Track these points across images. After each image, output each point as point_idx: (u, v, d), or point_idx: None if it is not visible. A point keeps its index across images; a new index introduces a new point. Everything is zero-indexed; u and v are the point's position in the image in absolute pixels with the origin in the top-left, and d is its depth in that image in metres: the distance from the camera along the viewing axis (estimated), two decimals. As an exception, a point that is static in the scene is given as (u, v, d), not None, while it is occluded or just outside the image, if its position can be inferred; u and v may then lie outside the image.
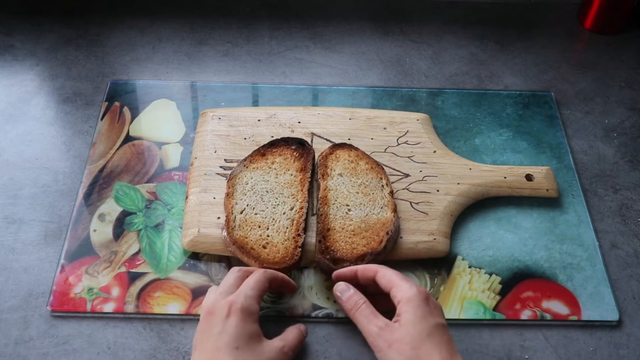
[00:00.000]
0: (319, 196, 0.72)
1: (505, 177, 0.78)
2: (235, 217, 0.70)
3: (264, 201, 0.71)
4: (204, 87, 0.90)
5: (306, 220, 0.70)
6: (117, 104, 0.87)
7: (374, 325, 0.59)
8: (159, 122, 0.85)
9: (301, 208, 0.71)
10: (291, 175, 0.74)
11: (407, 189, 0.76)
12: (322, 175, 0.74)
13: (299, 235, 0.69)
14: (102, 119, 0.85)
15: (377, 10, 1.04)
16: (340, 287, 0.64)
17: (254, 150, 0.77)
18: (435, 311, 0.59)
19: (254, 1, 1.04)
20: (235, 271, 0.64)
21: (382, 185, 0.73)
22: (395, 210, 0.71)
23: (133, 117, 0.85)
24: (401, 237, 0.71)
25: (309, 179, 0.74)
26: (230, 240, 0.68)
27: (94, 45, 0.96)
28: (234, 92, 0.89)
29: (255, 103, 0.89)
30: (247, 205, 0.71)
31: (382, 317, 0.60)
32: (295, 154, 0.76)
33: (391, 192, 0.73)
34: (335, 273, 0.65)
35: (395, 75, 0.94)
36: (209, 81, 0.91)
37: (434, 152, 0.80)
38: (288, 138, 0.78)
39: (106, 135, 0.83)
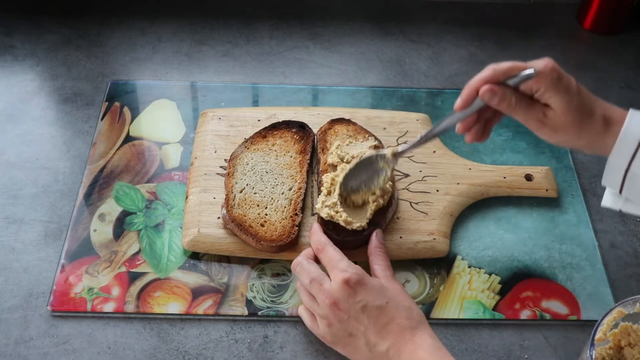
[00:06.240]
0: (320, 170, 0.74)
1: (504, 177, 0.78)
2: (234, 195, 0.71)
3: (263, 181, 0.73)
4: (204, 87, 0.90)
5: (304, 201, 0.72)
6: (117, 104, 0.87)
7: (534, 119, 0.60)
8: (159, 122, 0.85)
9: (299, 189, 0.72)
10: (291, 157, 0.75)
11: (407, 189, 0.76)
12: (322, 150, 0.76)
13: (296, 214, 0.70)
14: (102, 119, 0.85)
15: (377, 11, 1.04)
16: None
17: (256, 132, 0.78)
18: (572, 79, 0.60)
19: (253, 1, 1.04)
20: (304, 261, 0.63)
21: None
22: (393, 181, 0.72)
23: (133, 117, 0.85)
24: (401, 237, 0.71)
25: (308, 162, 0.75)
26: (230, 218, 0.69)
27: (94, 46, 0.96)
28: (234, 92, 0.89)
29: (255, 103, 0.89)
30: (247, 185, 0.72)
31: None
32: (295, 136, 0.77)
33: None
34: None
35: (395, 76, 0.94)
36: (209, 81, 0.91)
37: (434, 152, 0.80)
38: (289, 121, 0.79)
39: (106, 136, 0.83)
